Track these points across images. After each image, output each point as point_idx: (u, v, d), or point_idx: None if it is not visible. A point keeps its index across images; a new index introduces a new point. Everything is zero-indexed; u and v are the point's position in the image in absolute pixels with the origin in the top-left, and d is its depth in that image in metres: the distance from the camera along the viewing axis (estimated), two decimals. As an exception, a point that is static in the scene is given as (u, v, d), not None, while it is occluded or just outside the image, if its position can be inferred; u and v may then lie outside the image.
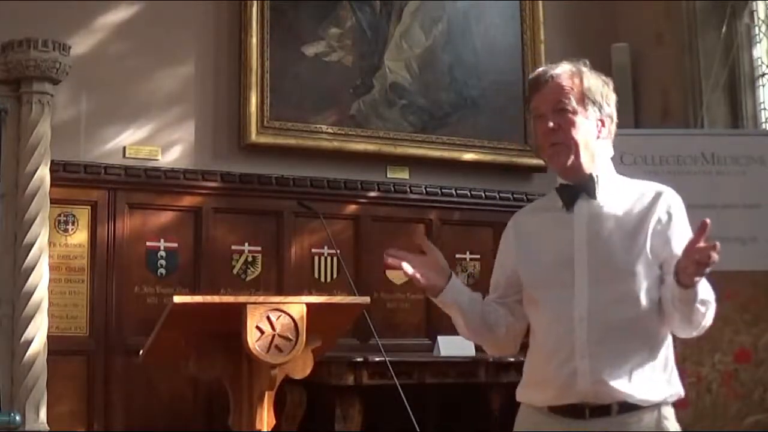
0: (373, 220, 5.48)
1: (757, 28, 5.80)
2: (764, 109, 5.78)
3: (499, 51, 5.92)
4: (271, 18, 5.28)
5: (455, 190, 5.69)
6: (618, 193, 2.30)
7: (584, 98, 2.27)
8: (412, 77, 5.67)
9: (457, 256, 5.68)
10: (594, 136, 2.28)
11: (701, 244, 1.99)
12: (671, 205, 2.27)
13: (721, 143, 5.22)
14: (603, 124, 2.30)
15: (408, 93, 5.65)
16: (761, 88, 5.79)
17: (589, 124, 2.27)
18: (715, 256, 1.97)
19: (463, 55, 5.81)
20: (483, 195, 5.76)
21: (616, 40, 6.02)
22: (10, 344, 4.17)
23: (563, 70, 2.31)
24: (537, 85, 2.31)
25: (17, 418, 4.09)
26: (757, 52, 5.81)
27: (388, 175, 5.59)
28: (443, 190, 5.66)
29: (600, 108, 2.29)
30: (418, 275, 2.19)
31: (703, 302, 2.12)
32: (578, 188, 2.29)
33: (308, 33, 5.41)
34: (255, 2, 5.23)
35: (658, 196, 2.27)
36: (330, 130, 5.39)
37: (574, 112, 2.26)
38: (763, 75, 5.78)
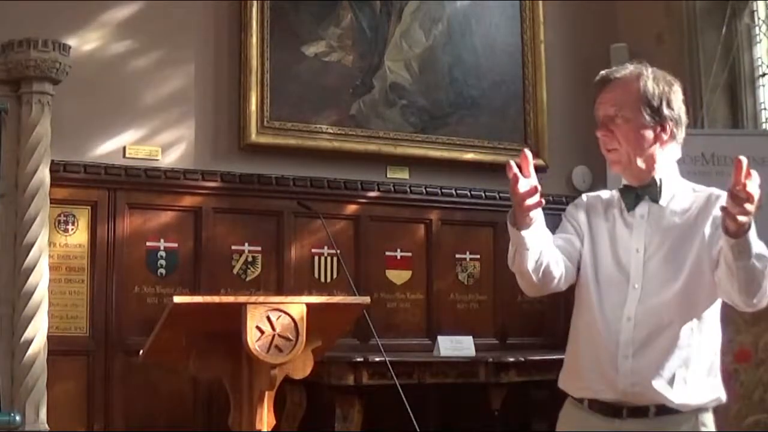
0: (372, 220, 5.48)
1: (757, 28, 5.80)
2: (764, 109, 5.78)
3: (499, 51, 5.92)
4: (271, 18, 5.27)
5: (455, 190, 5.69)
6: (679, 198, 2.30)
7: (640, 103, 2.26)
8: (412, 77, 5.67)
9: (457, 256, 5.68)
10: (651, 141, 2.27)
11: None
12: None
13: (721, 143, 5.22)
14: (663, 129, 2.28)
15: (408, 93, 5.64)
16: (761, 88, 5.79)
17: (645, 130, 2.26)
18: (751, 186, 1.88)
19: (463, 55, 5.81)
20: (483, 195, 5.76)
21: (616, 40, 6.01)
22: (10, 344, 4.17)
23: (623, 75, 2.31)
24: (598, 87, 2.33)
25: (17, 418, 4.08)
26: (757, 52, 5.81)
27: (388, 175, 5.59)
28: (443, 190, 5.66)
29: (658, 112, 2.27)
30: (529, 200, 2.08)
31: (760, 257, 2.04)
32: (641, 192, 2.30)
33: (308, 33, 5.40)
34: (255, 2, 5.23)
35: (714, 199, 2.26)
36: (330, 130, 5.39)
37: (628, 120, 2.26)
38: (763, 75, 5.78)
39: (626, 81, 2.29)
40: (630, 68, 2.32)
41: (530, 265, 2.22)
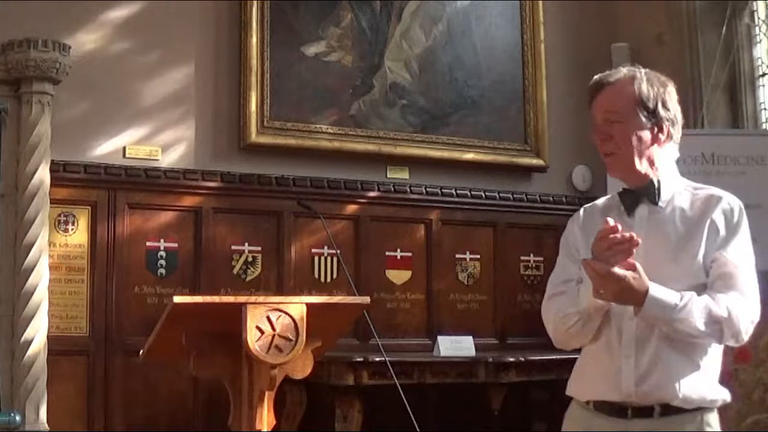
0: (373, 220, 5.48)
1: (757, 28, 5.80)
2: (764, 109, 5.78)
3: (499, 51, 5.93)
4: (271, 18, 5.28)
5: (455, 190, 5.69)
6: (679, 198, 2.30)
7: (636, 106, 2.27)
8: (412, 77, 5.67)
9: (457, 256, 5.68)
10: (649, 143, 2.28)
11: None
12: (726, 211, 2.26)
13: (721, 143, 5.22)
14: (660, 130, 2.28)
15: (408, 93, 5.65)
16: (761, 88, 5.79)
17: (643, 132, 2.27)
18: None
19: (463, 55, 5.81)
20: (483, 195, 5.76)
21: (616, 40, 6.02)
22: (10, 344, 4.18)
23: (617, 78, 2.31)
24: (593, 92, 2.33)
25: (17, 418, 4.09)
26: (757, 52, 5.81)
27: (388, 175, 5.59)
28: (443, 190, 5.66)
29: (654, 114, 2.27)
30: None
31: (716, 320, 2.15)
32: (639, 194, 2.30)
33: (308, 33, 5.41)
34: (255, 2, 5.23)
35: (716, 202, 2.27)
36: (330, 130, 5.39)
37: (625, 121, 2.26)
38: (763, 75, 5.78)
39: (621, 85, 2.29)
40: (623, 71, 2.33)
41: (591, 334, 2.27)
